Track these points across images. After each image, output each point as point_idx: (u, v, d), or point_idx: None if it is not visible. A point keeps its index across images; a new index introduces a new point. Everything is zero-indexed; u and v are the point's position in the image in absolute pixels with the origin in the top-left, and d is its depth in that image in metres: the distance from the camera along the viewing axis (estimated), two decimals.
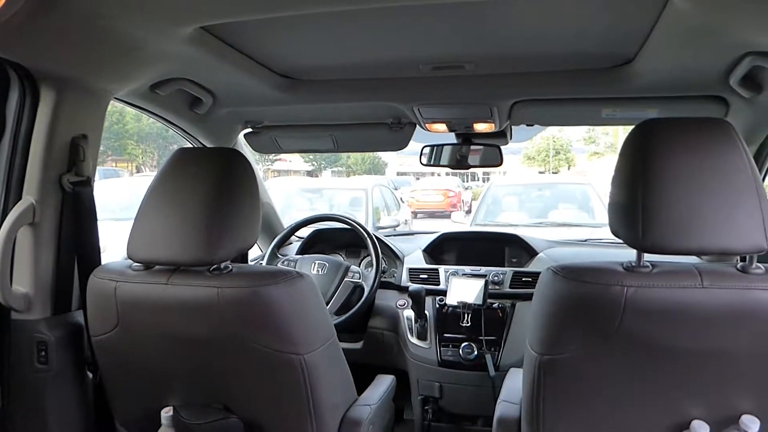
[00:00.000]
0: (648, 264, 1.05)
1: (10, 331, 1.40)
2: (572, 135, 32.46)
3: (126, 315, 1.28)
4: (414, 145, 2.29)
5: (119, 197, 5.25)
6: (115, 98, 1.58)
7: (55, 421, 1.42)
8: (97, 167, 1.56)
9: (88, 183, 1.45)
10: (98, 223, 1.51)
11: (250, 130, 2.26)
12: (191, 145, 2.13)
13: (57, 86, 1.37)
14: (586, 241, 2.81)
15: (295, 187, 7.83)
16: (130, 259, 1.27)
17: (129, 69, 1.45)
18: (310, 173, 33.13)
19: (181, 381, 1.35)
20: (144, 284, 1.25)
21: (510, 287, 2.21)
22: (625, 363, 1.08)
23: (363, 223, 2.45)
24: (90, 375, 1.49)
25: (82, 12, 1.16)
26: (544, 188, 7.03)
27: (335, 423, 1.38)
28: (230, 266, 1.25)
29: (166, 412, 1.33)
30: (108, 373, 1.41)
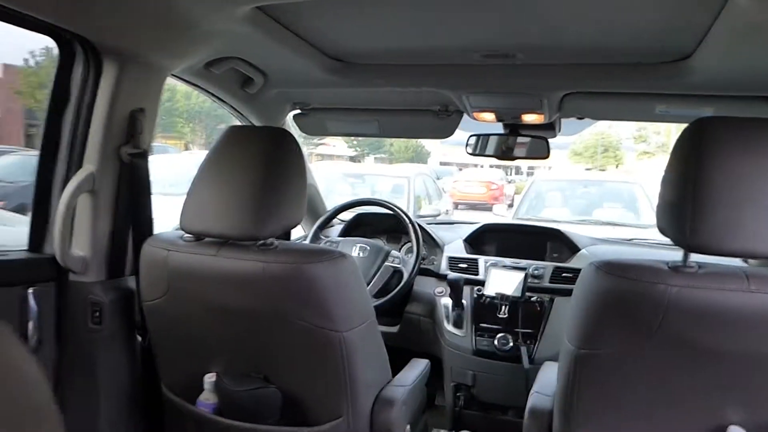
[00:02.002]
0: (694, 264, 1.03)
1: (67, 292, 1.48)
2: (622, 132, 31.63)
3: (175, 283, 1.33)
4: (459, 135, 2.29)
5: (168, 173, 5.39)
6: (172, 75, 1.63)
7: (105, 379, 1.49)
8: None
9: (144, 155, 1.51)
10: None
11: (298, 111, 2.30)
12: (240, 124, 2.17)
13: (119, 61, 1.42)
14: (631, 240, 2.76)
15: (338, 172, 7.89)
16: (182, 230, 1.32)
17: (186, 46, 1.50)
18: (353, 159, 33.25)
19: (225, 349, 1.40)
20: (194, 255, 1.30)
21: (550, 282, 2.20)
22: (663, 363, 1.07)
23: (405, 210, 2.46)
24: (139, 338, 1.56)
25: None
26: (590, 185, 6.90)
27: (369, 401, 1.41)
28: (276, 243, 1.29)
29: (209, 378, 1.38)
30: (156, 337, 1.47)
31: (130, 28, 1.35)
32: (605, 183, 7.16)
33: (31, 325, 1.39)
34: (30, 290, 1.39)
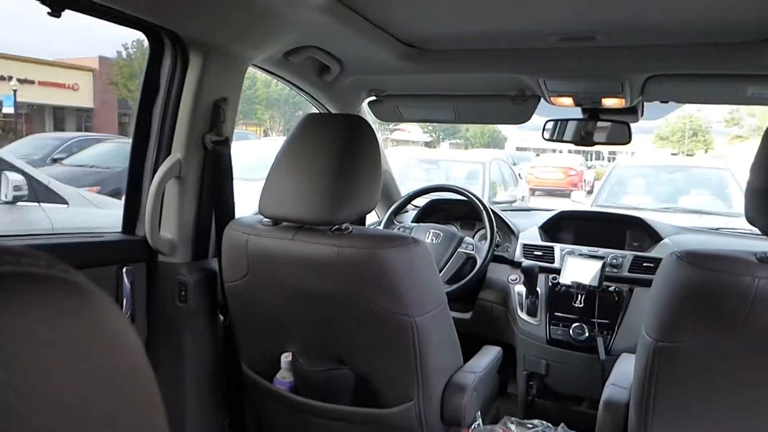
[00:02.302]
0: None
1: (157, 272, 1.58)
2: (712, 115, 29.84)
3: (255, 265, 1.39)
4: (536, 120, 2.24)
5: (248, 159, 5.58)
6: (253, 64, 1.69)
7: (190, 354, 1.59)
8: None
9: (226, 143, 1.58)
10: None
11: (373, 98, 2.32)
12: (317, 111, 2.22)
13: (204, 52, 1.49)
14: (718, 229, 2.62)
15: (413, 158, 7.89)
16: (261, 214, 1.38)
17: (266, 36, 1.55)
18: (428, 144, 33.14)
19: (300, 330, 1.45)
20: (272, 239, 1.35)
21: (629, 271, 2.13)
22: (748, 360, 1.02)
23: (479, 196, 2.44)
24: (221, 317, 1.65)
25: None
26: (675, 171, 6.55)
27: (440, 386, 1.43)
28: (350, 228, 1.32)
29: (286, 357, 1.44)
30: (236, 317, 1.55)
31: (215, 21, 1.41)
32: (692, 169, 6.78)
33: (125, 301, 1.49)
34: (124, 269, 1.50)
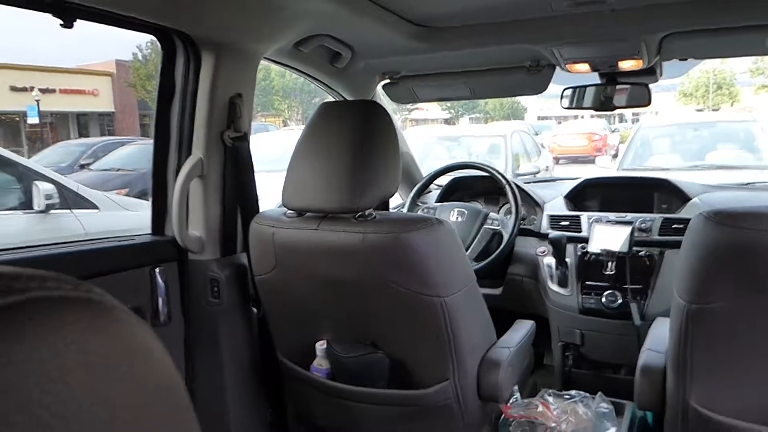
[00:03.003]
0: None
1: (188, 270, 1.61)
2: (736, 67, 28.98)
3: (282, 257, 1.41)
4: (555, 88, 2.21)
5: (269, 151, 5.62)
6: (264, 57, 1.70)
7: (227, 348, 1.62)
8: None
9: (245, 138, 1.60)
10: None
11: (387, 81, 2.31)
12: (332, 99, 2.22)
13: (216, 50, 1.50)
14: (747, 184, 2.56)
15: (433, 136, 7.84)
16: (284, 207, 1.39)
17: (275, 29, 1.55)
18: (447, 121, 32.89)
19: (333, 318, 1.47)
20: (297, 230, 1.37)
21: (659, 234, 2.10)
22: None
23: (502, 170, 2.42)
24: (254, 310, 1.68)
25: None
26: (700, 128, 6.39)
27: (475, 363, 1.44)
28: (374, 213, 1.32)
29: (320, 345, 1.47)
30: (269, 309, 1.58)
31: (224, 19, 1.42)
32: (718, 123, 6.61)
33: (160, 301, 1.53)
34: (156, 270, 1.53)
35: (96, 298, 0.27)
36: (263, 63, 1.77)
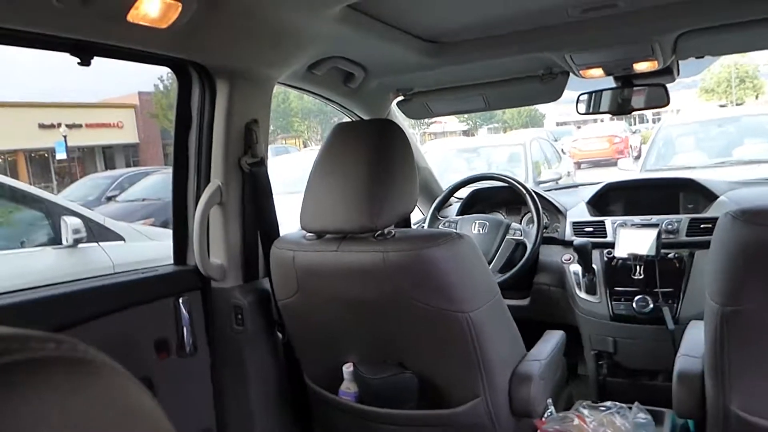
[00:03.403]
0: None
1: (211, 298, 1.62)
2: (759, 59, 28.48)
3: (304, 281, 1.41)
4: (572, 94, 2.19)
5: (291, 172, 5.66)
6: (278, 82, 1.71)
7: (254, 375, 1.62)
8: (269, 145, 1.72)
9: (262, 163, 1.61)
10: (275, 197, 1.67)
11: (402, 98, 2.32)
12: (348, 119, 2.23)
13: (230, 78, 1.52)
14: None
15: (452, 149, 7.83)
16: (304, 229, 1.39)
17: (288, 54, 1.57)
18: (465, 132, 32.88)
19: (358, 339, 1.46)
20: (317, 252, 1.37)
21: (687, 235, 2.05)
22: None
23: (523, 178, 2.40)
24: (279, 335, 1.68)
25: (243, 8, 1.28)
26: (725, 123, 6.26)
27: (505, 378, 1.41)
28: (393, 231, 1.32)
29: (347, 368, 1.45)
30: (294, 333, 1.57)
31: (236, 48, 1.44)
32: (743, 118, 6.47)
33: (185, 331, 1.54)
34: (180, 299, 1.54)
35: (80, 356, 0.26)
36: (280, 86, 1.79)
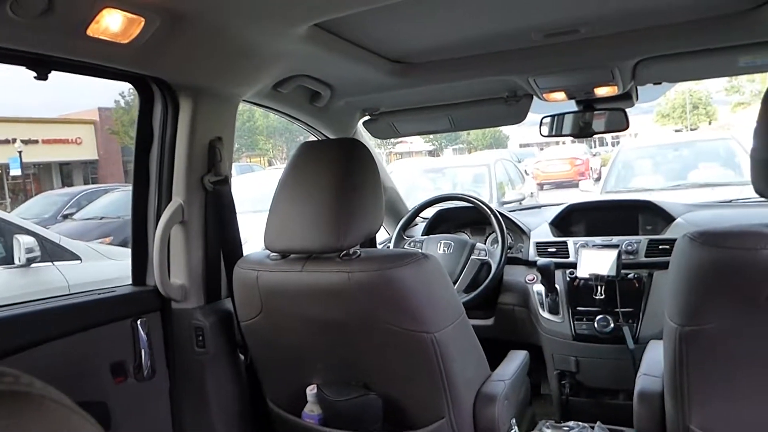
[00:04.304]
0: None
1: (172, 319, 1.57)
2: (712, 86, 29.65)
3: (268, 301, 1.38)
4: (535, 116, 2.23)
5: (255, 191, 5.61)
6: (244, 100, 1.70)
7: (214, 398, 1.58)
8: (233, 163, 1.70)
9: (226, 181, 1.58)
10: (238, 216, 1.65)
11: (368, 117, 2.32)
12: (314, 138, 2.23)
13: (193, 95, 1.50)
14: (730, 202, 2.58)
15: (418, 169, 7.88)
16: (268, 249, 1.37)
17: (253, 72, 1.56)
18: (431, 153, 33.20)
19: (322, 361, 1.44)
20: (281, 272, 1.35)
21: (645, 256, 2.10)
22: None
23: (487, 199, 2.43)
24: (242, 357, 1.64)
25: (208, 25, 1.27)
26: (681, 147, 6.49)
27: (470, 398, 1.40)
28: (359, 251, 1.31)
29: (311, 390, 1.43)
30: (257, 355, 1.54)
31: (201, 64, 1.42)
32: (697, 143, 6.72)
33: (143, 354, 1.49)
34: (139, 321, 1.50)
35: (23, 390, 0.25)
36: (245, 104, 1.77)
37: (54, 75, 1.23)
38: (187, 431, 1.58)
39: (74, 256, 3.82)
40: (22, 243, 3.50)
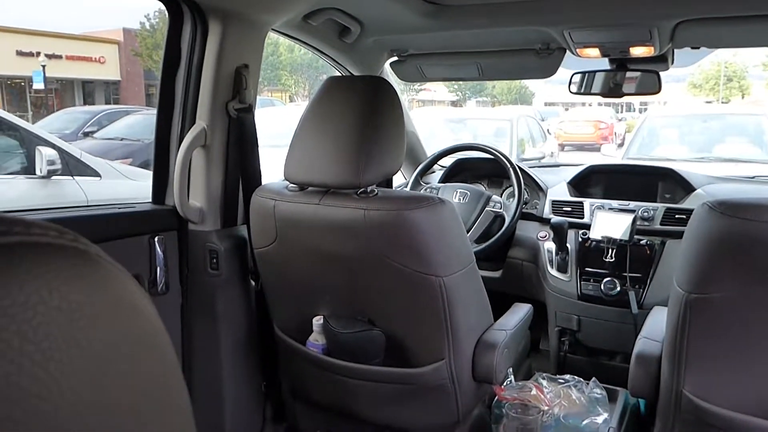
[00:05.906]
0: None
1: (188, 240, 1.61)
2: (749, 60, 28.70)
3: (283, 231, 1.41)
4: (563, 74, 2.18)
5: (275, 126, 5.59)
6: (273, 29, 1.68)
7: (224, 319, 1.63)
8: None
9: (250, 110, 1.59)
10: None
11: (395, 58, 2.29)
12: (339, 74, 2.20)
13: (223, 19, 1.48)
14: (753, 178, 2.54)
15: (439, 117, 7.80)
16: (287, 180, 1.38)
17: (285, 0, 1.53)
18: (454, 103, 32.73)
19: (331, 294, 1.47)
20: (299, 204, 1.36)
21: (661, 224, 2.09)
22: None
23: (507, 154, 2.41)
24: (253, 283, 1.68)
25: None
26: (709, 119, 6.32)
27: (471, 344, 1.44)
28: (376, 190, 1.32)
29: (317, 320, 1.47)
30: (268, 282, 1.58)
31: None
32: (727, 116, 6.55)
33: (158, 270, 1.53)
34: (156, 238, 1.53)
35: (81, 247, 0.26)
36: (271, 37, 1.75)
37: None
38: (196, 347, 1.64)
39: (94, 173, 3.86)
40: (44, 154, 3.54)
